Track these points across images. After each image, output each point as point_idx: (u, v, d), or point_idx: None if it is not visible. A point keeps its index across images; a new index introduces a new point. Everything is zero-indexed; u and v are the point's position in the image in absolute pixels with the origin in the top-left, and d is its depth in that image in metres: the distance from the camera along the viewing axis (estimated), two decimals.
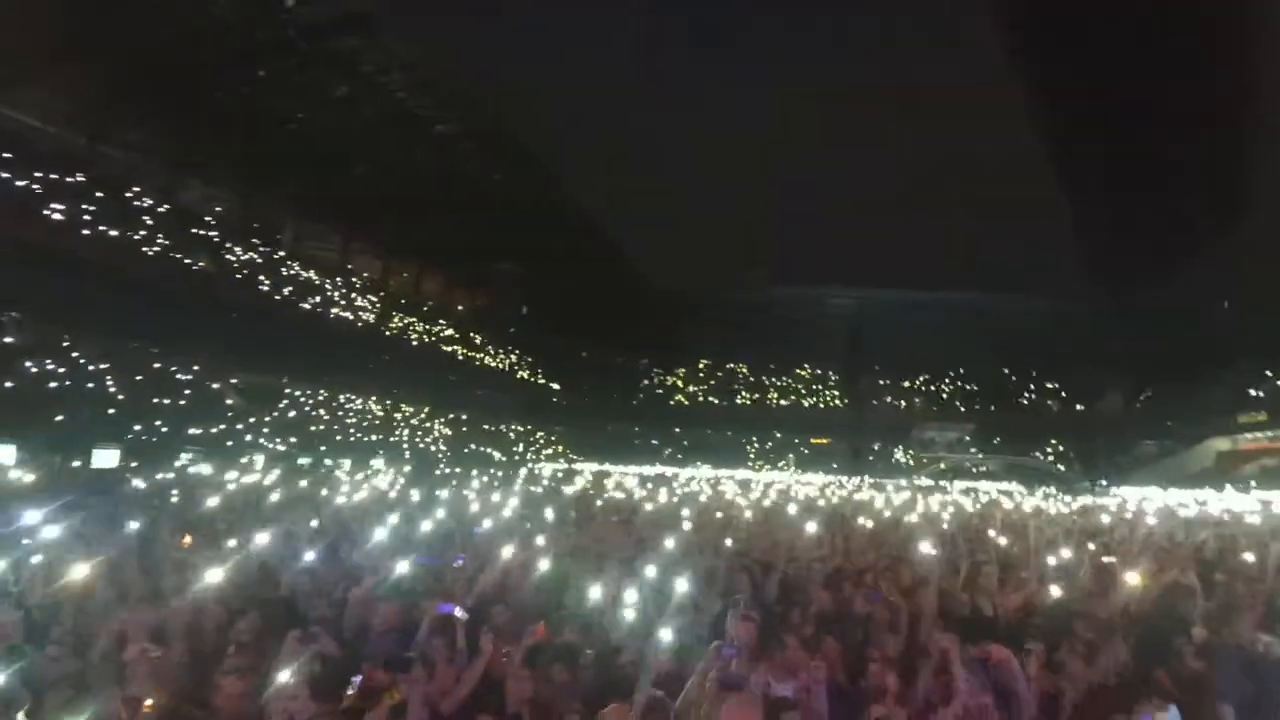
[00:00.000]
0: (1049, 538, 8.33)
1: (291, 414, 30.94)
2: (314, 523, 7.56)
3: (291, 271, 39.30)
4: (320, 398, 33.68)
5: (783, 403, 61.26)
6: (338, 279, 42.62)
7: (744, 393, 62.35)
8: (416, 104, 34.10)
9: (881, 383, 60.18)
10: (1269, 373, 46.42)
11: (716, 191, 76.53)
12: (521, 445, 45.29)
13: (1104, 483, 35.43)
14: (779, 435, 56.47)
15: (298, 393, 32.53)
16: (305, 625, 4.11)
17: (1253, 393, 46.67)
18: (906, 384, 60.29)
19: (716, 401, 61.82)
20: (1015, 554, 6.72)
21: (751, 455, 53.84)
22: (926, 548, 6.09)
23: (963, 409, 57.37)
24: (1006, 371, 58.54)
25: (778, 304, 63.94)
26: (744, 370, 63.74)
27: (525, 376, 54.54)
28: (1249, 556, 7.10)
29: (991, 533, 8.18)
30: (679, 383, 63.92)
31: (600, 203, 52.10)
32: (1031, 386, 58.16)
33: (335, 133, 34.66)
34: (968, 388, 59.18)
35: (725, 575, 5.66)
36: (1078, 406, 55.92)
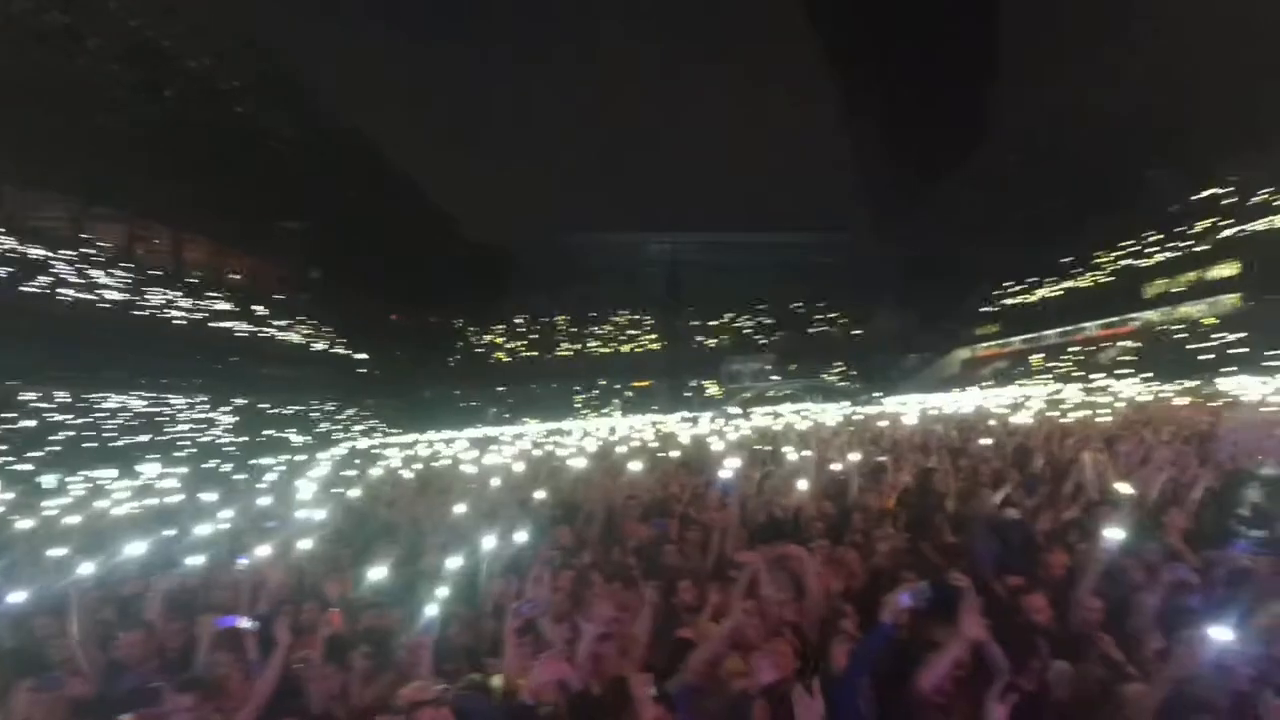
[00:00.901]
0: (837, 445, 9.42)
1: (26, 424, 25.26)
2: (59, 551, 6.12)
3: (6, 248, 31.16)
4: (62, 400, 27.80)
5: (604, 350, 62.74)
6: (70, 252, 34.65)
7: (566, 344, 62.79)
8: (161, 36, 28.03)
9: (693, 323, 64.05)
10: (995, 293, 56.81)
11: (529, 142, 74.86)
12: (328, 425, 41.53)
13: (878, 394, 41.03)
14: (603, 382, 58.02)
15: (30, 396, 26.52)
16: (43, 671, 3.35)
17: (985, 309, 57.23)
18: (715, 322, 64.71)
19: (539, 355, 61.66)
20: (805, 462, 7.46)
21: (578, 405, 54.71)
22: (728, 468, 6.53)
23: (763, 341, 63.15)
24: (800, 304, 65.23)
25: (593, 253, 65.28)
26: (564, 321, 64.05)
27: (324, 349, 49.51)
28: (986, 440, 8.68)
29: (786, 448, 9.09)
30: (498, 340, 62.67)
31: (401, 153, 48.32)
32: (819, 315, 65.48)
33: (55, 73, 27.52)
34: (767, 321, 64.95)
35: (539, 528, 5.59)
36: (856, 331, 64.22)
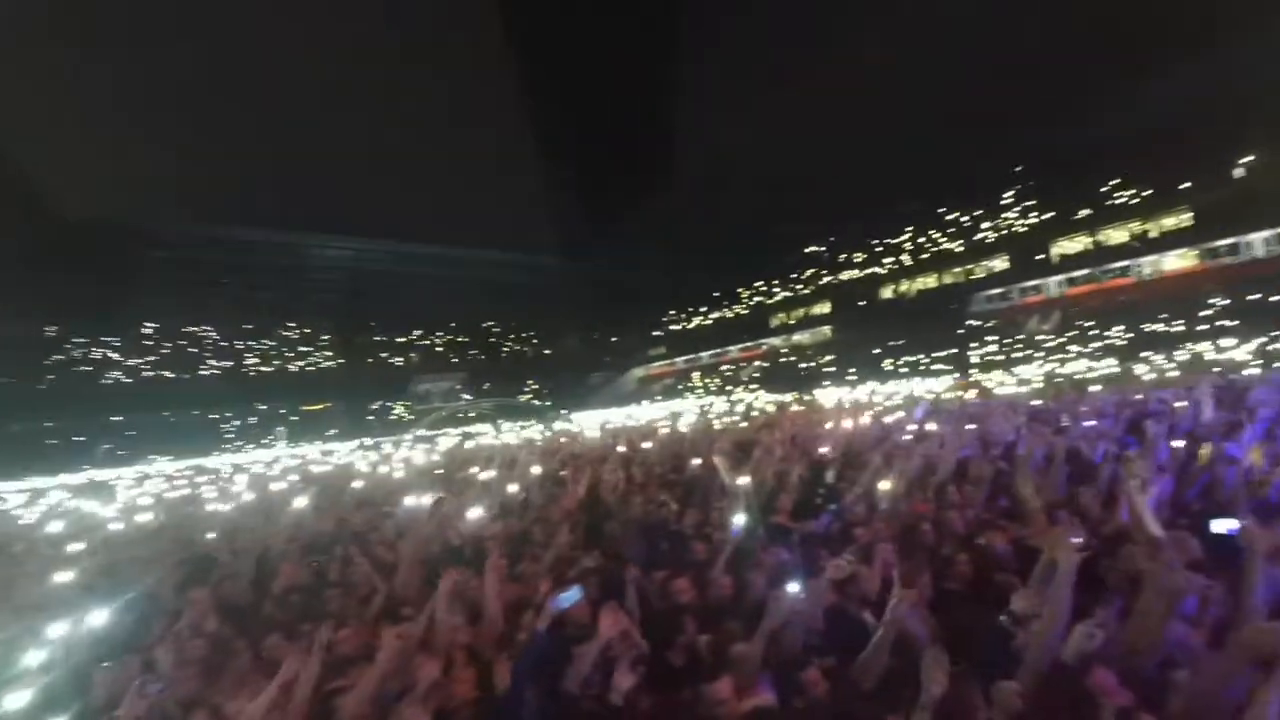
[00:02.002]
0: (520, 463, 9.62)
1: None
2: None
3: None
4: None
5: (265, 369, 54.34)
6: None
7: (213, 360, 52.69)
8: None
9: (377, 339, 59.55)
10: (663, 318, 65.40)
11: (168, 106, 61.21)
12: None
13: (567, 412, 43.47)
14: (263, 407, 50.08)
15: None
16: None
17: (655, 332, 65.47)
18: (403, 338, 61.14)
19: (175, 375, 50.53)
20: (490, 483, 7.42)
21: (230, 435, 46.41)
22: (412, 499, 6.17)
23: (455, 359, 61.80)
24: (493, 323, 65.48)
25: (256, 252, 55.08)
26: (211, 333, 53.64)
27: None
28: (648, 444, 9.77)
29: (472, 470, 8.97)
30: (114, 355, 49.37)
31: None
32: (512, 335, 66.68)
33: None
34: (460, 339, 63.73)
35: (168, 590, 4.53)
36: (547, 351, 67.12)
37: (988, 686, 2.11)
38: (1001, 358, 35.53)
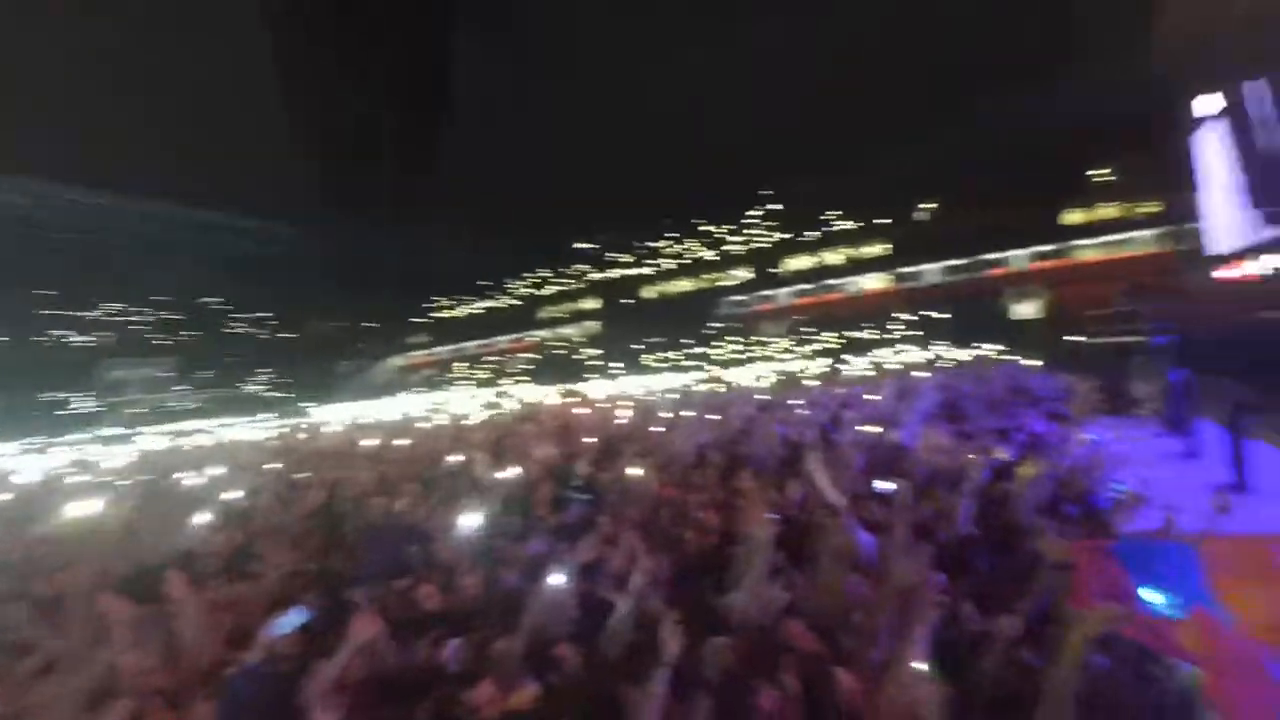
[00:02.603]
0: (248, 462, 8.38)
1: None
2: None
3: None
4: None
5: None
6: None
7: None
8: None
9: (49, 312, 47.07)
10: (424, 305, 61.90)
11: None
12: None
13: (310, 404, 39.02)
14: None
15: None
16: None
17: (416, 319, 61.72)
18: (90, 313, 49.37)
19: None
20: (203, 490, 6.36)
21: None
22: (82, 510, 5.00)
23: (164, 341, 51.63)
24: (217, 298, 55.64)
25: None
26: None
27: None
28: (403, 442, 9.13)
29: (181, 473, 7.58)
30: None
31: None
32: (241, 314, 57.63)
33: None
34: (170, 316, 53.29)
35: None
36: (286, 334, 59.29)
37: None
38: (741, 356, 40.34)
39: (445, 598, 3.36)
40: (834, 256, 45.07)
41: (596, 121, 54.85)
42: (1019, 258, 37.63)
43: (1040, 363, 16.81)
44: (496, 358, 54.97)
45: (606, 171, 51.91)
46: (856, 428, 6.06)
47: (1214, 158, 25.26)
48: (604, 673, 2.51)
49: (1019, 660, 2.12)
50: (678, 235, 52.18)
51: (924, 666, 1.99)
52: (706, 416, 7.96)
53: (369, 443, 9.27)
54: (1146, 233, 34.21)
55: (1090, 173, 36.56)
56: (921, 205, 41.82)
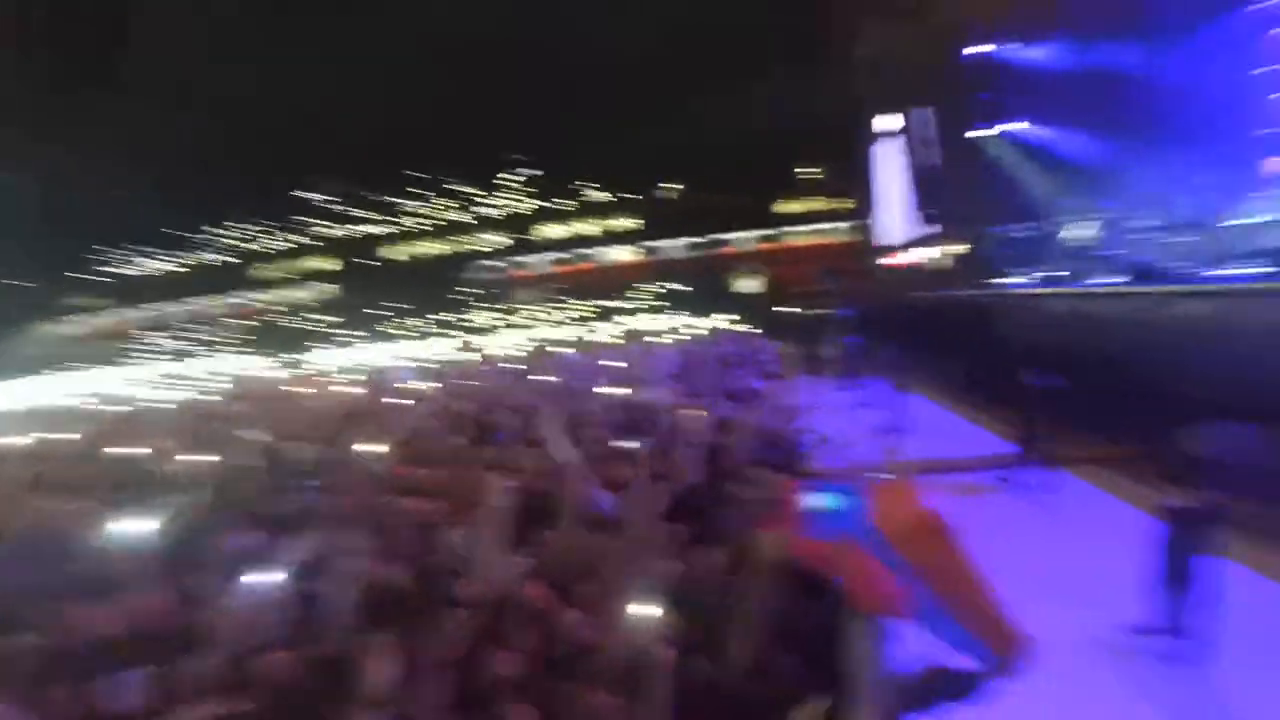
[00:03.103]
0: None
1: None
2: None
3: None
4: None
5: None
6: None
7: None
8: None
9: None
10: (92, 257, 49.30)
11: None
12: None
13: None
14: None
15: None
16: None
17: (79, 276, 48.90)
18: None
19: None
20: None
21: None
22: None
23: None
24: None
25: None
26: None
27: None
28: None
29: None
30: None
31: None
32: None
33: None
34: None
35: None
36: None
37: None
38: (496, 323, 39.83)
39: (120, 619, 2.72)
40: (588, 227, 46.41)
41: (323, 49, 47.19)
42: (745, 239, 42.87)
43: (760, 331, 19.30)
44: (206, 325, 46.59)
45: (335, 111, 45.39)
46: (604, 390, 6.31)
47: (887, 167, 31.25)
48: (321, 677, 2.25)
49: (728, 588, 2.37)
50: (425, 193, 48.93)
51: (651, 607, 2.11)
52: (456, 386, 7.66)
53: (18, 439, 7.14)
54: (841, 224, 41.35)
55: (801, 170, 43.10)
56: (667, 185, 44.99)
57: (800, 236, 42.53)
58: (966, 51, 22.30)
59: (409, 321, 41.12)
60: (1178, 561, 4.42)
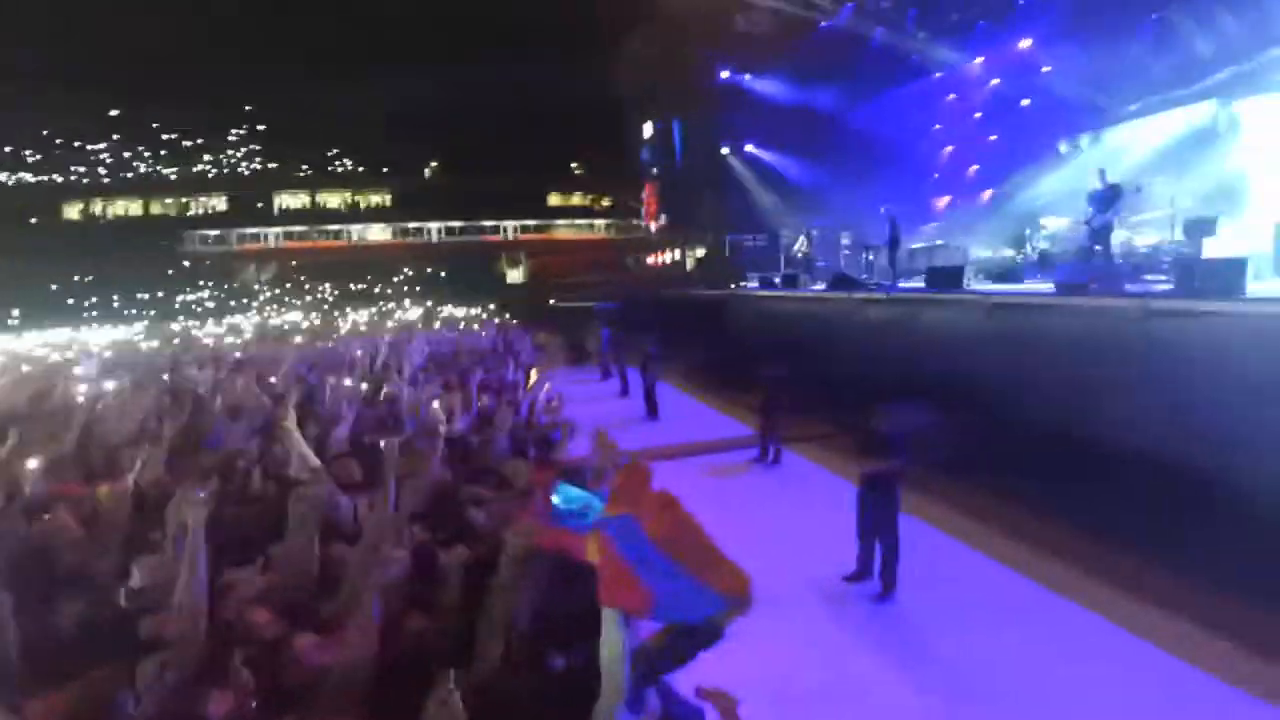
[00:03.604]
0: None
1: None
2: None
3: None
4: None
5: None
6: None
7: None
8: None
9: None
10: None
11: None
12: None
13: None
14: None
15: None
16: None
17: None
18: None
19: None
20: None
21: None
22: None
23: None
24: None
25: None
26: None
27: None
28: None
29: None
30: None
31: None
32: None
33: None
34: None
35: None
36: None
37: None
38: (215, 305, 34.03)
39: None
40: (333, 199, 41.77)
41: None
42: (510, 227, 42.29)
43: (522, 320, 19.32)
44: None
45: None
46: (348, 384, 5.77)
47: (648, 170, 33.34)
48: None
49: (479, 587, 2.31)
50: (122, 139, 39.79)
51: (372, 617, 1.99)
52: (160, 380, 6.41)
53: None
54: (604, 220, 42.90)
55: (572, 163, 43.61)
56: (428, 163, 42.35)
57: (566, 229, 43.19)
58: (720, 75, 24.60)
59: (100, 298, 33.22)
60: (872, 518, 5.40)
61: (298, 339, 13.51)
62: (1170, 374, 6.32)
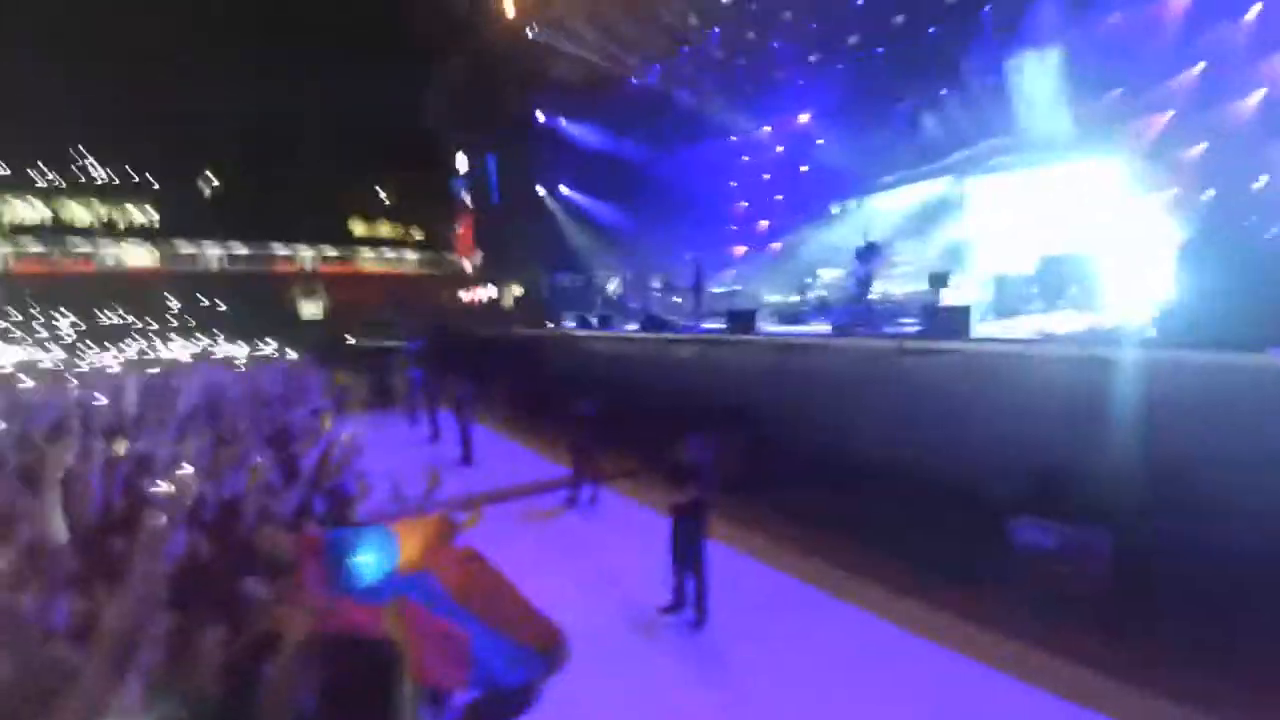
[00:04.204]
0: None
1: None
2: None
3: None
4: None
5: None
6: None
7: None
8: None
9: None
10: None
11: None
12: None
13: None
14: None
15: None
16: None
17: None
18: None
19: None
20: None
21: None
22: None
23: None
24: None
25: None
26: None
27: None
28: None
29: None
30: None
31: None
32: None
33: None
34: None
35: None
36: None
37: None
38: None
39: None
40: (79, 214, 34.92)
41: None
42: (306, 256, 38.53)
43: (318, 360, 17.62)
44: None
45: None
46: (89, 439, 4.79)
47: (464, 202, 32.55)
48: None
49: (238, 667, 1.99)
50: None
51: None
52: None
53: None
54: (414, 254, 40.79)
55: (379, 190, 40.85)
56: (203, 175, 37.17)
57: (373, 262, 40.37)
58: (537, 116, 25.03)
59: None
60: (680, 547, 5.60)
61: (28, 381, 11.00)
62: (913, 398, 7.51)
